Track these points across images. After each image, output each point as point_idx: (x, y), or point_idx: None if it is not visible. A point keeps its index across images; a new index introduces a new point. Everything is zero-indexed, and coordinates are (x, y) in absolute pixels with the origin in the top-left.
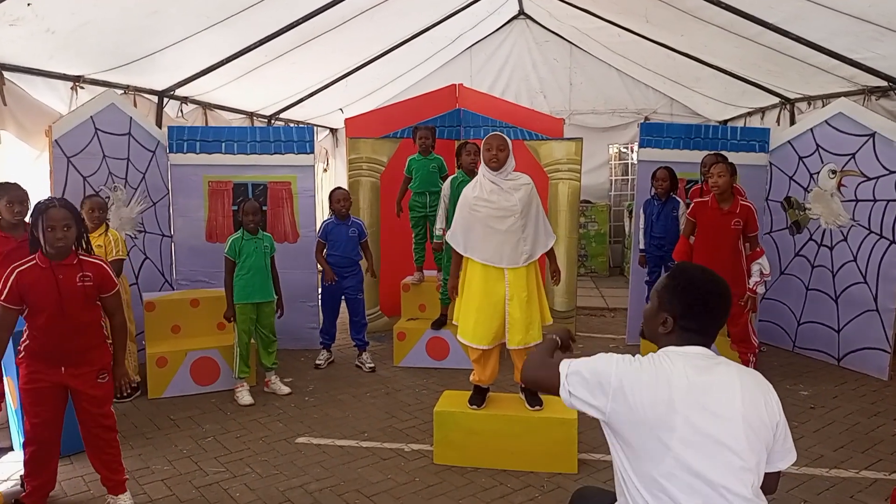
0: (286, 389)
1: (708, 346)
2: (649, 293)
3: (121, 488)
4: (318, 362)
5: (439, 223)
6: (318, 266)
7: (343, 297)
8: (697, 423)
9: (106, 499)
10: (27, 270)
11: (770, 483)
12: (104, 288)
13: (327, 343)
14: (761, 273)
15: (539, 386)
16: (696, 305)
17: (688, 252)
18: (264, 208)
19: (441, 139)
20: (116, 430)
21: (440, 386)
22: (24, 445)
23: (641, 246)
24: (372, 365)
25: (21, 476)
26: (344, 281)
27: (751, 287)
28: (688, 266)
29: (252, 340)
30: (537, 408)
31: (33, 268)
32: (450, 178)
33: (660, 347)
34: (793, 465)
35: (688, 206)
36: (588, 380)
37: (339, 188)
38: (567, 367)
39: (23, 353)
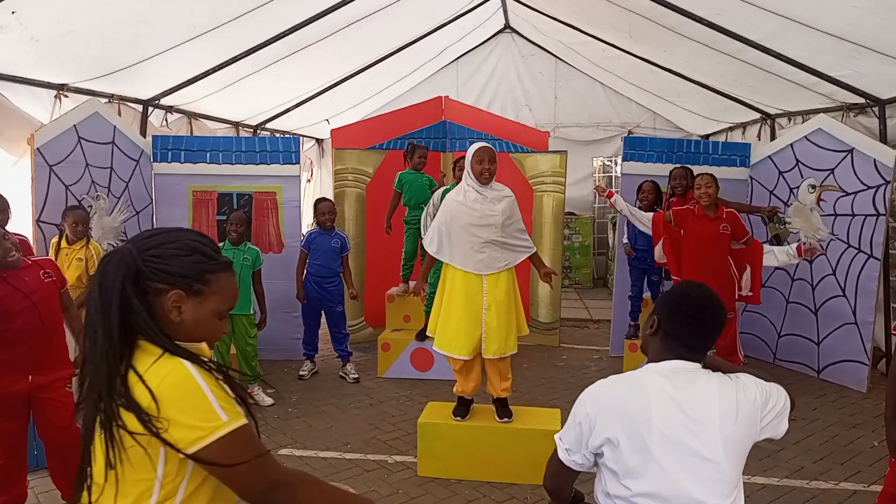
0: (269, 401)
1: (690, 359)
2: (633, 306)
3: None
4: (301, 373)
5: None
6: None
7: (324, 310)
8: (675, 438)
9: None
10: None
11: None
12: (61, 282)
13: (310, 354)
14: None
15: (556, 479)
16: (681, 312)
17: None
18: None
19: (427, 151)
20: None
21: (424, 397)
22: None
23: (625, 240)
24: (356, 375)
25: None
26: (325, 292)
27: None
28: (691, 281)
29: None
30: (506, 420)
31: None
32: (440, 190)
33: (646, 354)
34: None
35: None
36: (569, 438)
37: (326, 199)
38: (558, 437)
39: None
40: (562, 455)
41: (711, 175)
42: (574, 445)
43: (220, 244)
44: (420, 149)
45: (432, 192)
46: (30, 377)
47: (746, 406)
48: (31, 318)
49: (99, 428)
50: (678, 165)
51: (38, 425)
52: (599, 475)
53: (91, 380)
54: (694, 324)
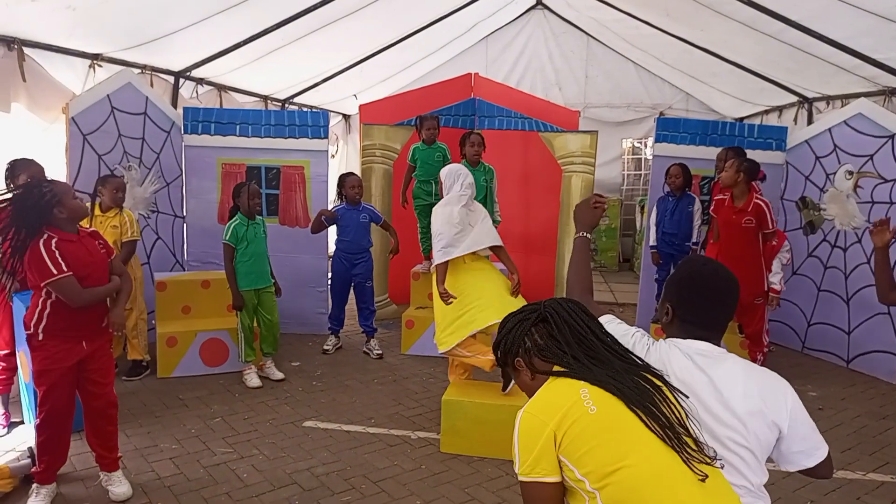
0: (279, 375)
1: (712, 340)
2: (660, 290)
3: (115, 466)
4: (325, 348)
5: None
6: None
7: (352, 284)
8: (694, 412)
9: (99, 475)
10: (59, 243)
11: (822, 471)
12: (110, 251)
13: (335, 329)
14: (781, 265)
15: None
16: (693, 297)
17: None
18: (276, 192)
19: (455, 128)
20: (117, 406)
21: (447, 375)
22: (43, 427)
23: (652, 242)
24: (380, 352)
25: (29, 449)
26: (354, 268)
27: (773, 286)
28: (696, 258)
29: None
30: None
31: (62, 240)
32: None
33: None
34: (824, 457)
35: (703, 203)
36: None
37: (353, 174)
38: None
39: (42, 336)
40: None
41: (735, 155)
42: None
43: (236, 221)
44: (428, 121)
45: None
46: (84, 343)
47: (772, 392)
48: (90, 284)
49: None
50: (725, 147)
51: (81, 387)
52: None
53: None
54: (707, 305)
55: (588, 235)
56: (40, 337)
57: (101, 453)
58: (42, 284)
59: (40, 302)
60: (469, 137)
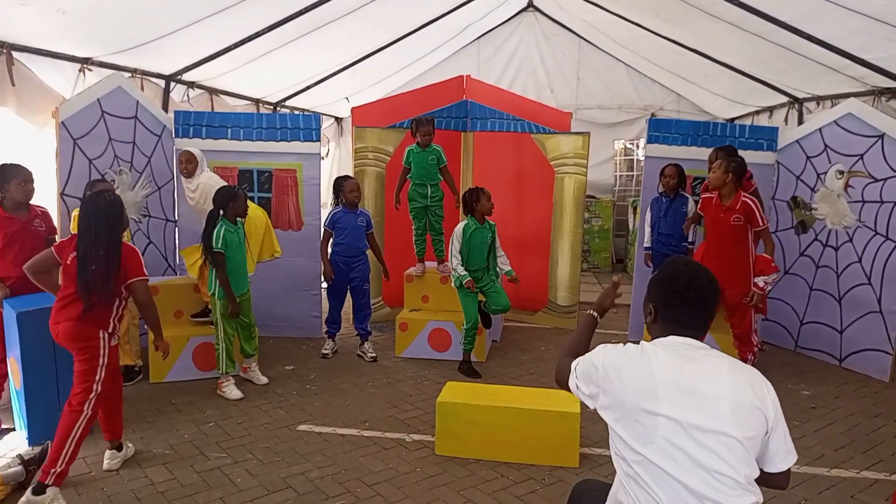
0: (264, 379)
1: (695, 338)
2: None
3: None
4: (324, 352)
5: (455, 261)
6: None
7: (349, 287)
8: (683, 409)
9: (124, 447)
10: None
11: (780, 481)
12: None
13: (333, 332)
14: (771, 279)
15: (560, 383)
16: (674, 298)
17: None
18: (269, 196)
19: (448, 130)
20: None
21: (441, 377)
22: (91, 417)
23: (647, 244)
24: (374, 354)
25: (19, 456)
26: (351, 272)
27: (756, 282)
28: (678, 259)
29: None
30: None
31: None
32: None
33: (650, 336)
34: (793, 463)
35: (696, 203)
36: (584, 371)
37: (350, 177)
38: (576, 363)
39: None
40: (571, 386)
41: (723, 159)
42: (581, 383)
43: (221, 227)
44: (423, 125)
45: (440, 170)
46: None
47: (759, 388)
48: None
49: None
50: (715, 148)
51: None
52: (612, 446)
53: None
54: (688, 306)
55: (596, 315)
56: (118, 334)
57: (119, 423)
58: (135, 280)
59: (123, 300)
60: (481, 194)
